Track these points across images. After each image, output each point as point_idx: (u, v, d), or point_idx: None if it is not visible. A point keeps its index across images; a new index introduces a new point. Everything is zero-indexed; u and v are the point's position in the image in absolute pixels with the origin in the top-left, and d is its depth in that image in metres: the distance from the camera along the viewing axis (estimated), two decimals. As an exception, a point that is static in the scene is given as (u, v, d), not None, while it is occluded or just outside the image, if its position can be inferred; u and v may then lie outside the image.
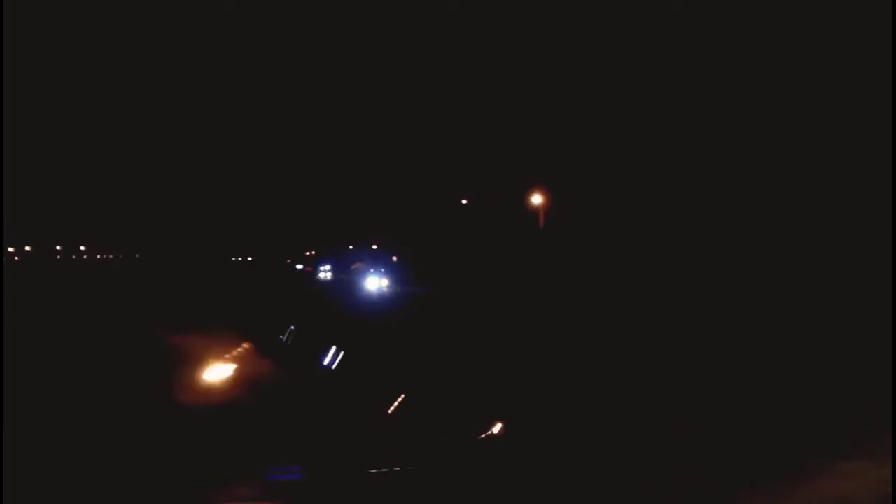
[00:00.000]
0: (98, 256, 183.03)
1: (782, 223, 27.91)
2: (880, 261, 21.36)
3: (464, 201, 52.50)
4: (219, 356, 12.17)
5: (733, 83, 34.69)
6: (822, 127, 28.39)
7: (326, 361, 11.03)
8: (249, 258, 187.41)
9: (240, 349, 13.88)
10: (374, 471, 3.89)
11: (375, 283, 43.42)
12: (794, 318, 20.20)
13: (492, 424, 4.23)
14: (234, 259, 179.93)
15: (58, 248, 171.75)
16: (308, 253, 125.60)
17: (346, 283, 48.99)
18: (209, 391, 9.76)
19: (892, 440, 3.27)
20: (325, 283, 54.11)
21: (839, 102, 28.10)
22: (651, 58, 45.17)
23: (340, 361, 10.60)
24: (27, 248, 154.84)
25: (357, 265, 67.24)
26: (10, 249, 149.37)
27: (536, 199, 34.88)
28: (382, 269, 48.69)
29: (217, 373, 10.69)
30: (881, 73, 24.48)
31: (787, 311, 21.56)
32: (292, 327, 16.38)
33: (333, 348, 11.22)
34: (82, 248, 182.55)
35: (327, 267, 67.27)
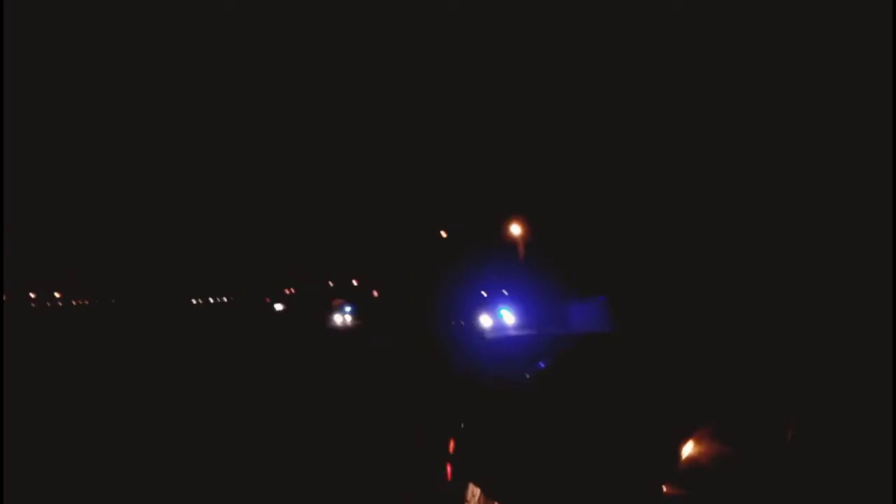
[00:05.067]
0: (73, 303, 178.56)
1: (791, 233, 26.84)
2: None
3: (443, 234, 51.26)
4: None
5: (743, 85, 33.81)
6: (836, 131, 27.71)
7: None
8: (219, 298, 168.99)
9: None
10: None
11: (490, 322, 29.44)
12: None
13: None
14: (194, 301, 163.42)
15: (31, 295, 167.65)
16: (288, 291, 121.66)
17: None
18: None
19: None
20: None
21: (844, 102, 27.62)
22: (653, 59, 44.35)
23: None
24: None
25: (338, 301, 65.43)
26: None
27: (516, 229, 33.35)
28: (511, 303, 33.35)
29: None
30: (882, 73, 23.94)
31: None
32: None
33: None
34: (56, 294, 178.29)
35: (347, 309, 52.16)
